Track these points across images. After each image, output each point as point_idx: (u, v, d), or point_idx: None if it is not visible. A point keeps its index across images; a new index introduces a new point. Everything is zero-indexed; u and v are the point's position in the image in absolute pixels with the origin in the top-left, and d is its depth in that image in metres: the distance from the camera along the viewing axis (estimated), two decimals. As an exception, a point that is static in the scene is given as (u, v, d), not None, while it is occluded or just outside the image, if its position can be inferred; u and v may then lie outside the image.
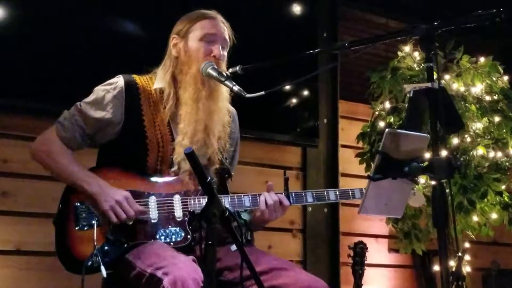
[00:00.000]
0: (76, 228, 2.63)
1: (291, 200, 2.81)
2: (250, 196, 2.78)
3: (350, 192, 2.92)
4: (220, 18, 2.88)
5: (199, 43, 2.81)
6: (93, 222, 2.61)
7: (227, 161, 2.91)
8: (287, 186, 2.83)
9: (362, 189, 2.90)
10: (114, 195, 2.62)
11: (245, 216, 2.83)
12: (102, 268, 2.51)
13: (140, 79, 2.85)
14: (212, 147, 2.79)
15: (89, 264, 2.53)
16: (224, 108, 2.86)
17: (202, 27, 2.82)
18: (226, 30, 2.87)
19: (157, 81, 2.86)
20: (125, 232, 2.64)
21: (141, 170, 2.74)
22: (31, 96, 3.69)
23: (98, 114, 2.75)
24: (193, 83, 2.76)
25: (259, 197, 2.78)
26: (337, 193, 2.90)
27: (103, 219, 2.63)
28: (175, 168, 2.74)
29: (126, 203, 2.62)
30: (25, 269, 3.71)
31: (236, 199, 2.76)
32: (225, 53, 2.86)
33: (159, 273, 2.39)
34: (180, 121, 2.77)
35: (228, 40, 2.87)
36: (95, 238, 2.55)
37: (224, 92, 2.83)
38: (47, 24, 3.77)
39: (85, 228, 2.62)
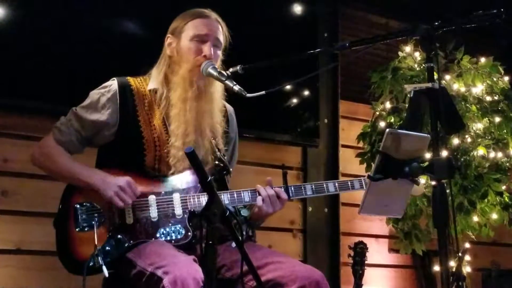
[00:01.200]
0: (77, 230, 2.64)
1: (291, 194, 2.81)
2: (249, 191, 2.78)
3: (349, 184, 2.90)
4: (214, 16, 2.87)
5: (190, 43, 2.81)
6: (93, 222, 2.62)
7: (225, 158, 2.91)
8: (286, 180, 2.82)
9: (361, 179, 2.89)
10: (115, 181, 2.65)
11: (244, 212, 2.83)
12: (104, 268, 2.51)
13: (134, 81, 2.87)
14: (204, 148, 2.79)
15: (90, 264, 2.53)
16: (216, 109, 2.86)
17: (194, 27, 2.82)
18: (219, 29, 2.86)
19: (152, 81, 2.88)
20: (126, 232, 2.65)
21: (139, 170, 2.75)
22: (31, 95, 3.69)
23: (93, 117, 2.78)
24: (182, 83, 2.78)
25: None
26: (336, 184, 2.89)
27: (109, 215, 2.65)
28: (172, 170, 2.75)
29: (129, 187, 2.65)
30: (25, 269, 3.71)
31: (235, 195, 2.77)
32: (218, 52, 2.85)
33: (159, 272, 2.39)
34: (171, 122, 2.78)
35: (221, 39, 2.86)
36: (96, 238, 2.56)
37: (215, 92, 2.83)
38: (48, 24, 3.77)
39: (86, 229, 2.64)
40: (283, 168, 2.87)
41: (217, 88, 2.81)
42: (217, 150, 2.85)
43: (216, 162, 2.85)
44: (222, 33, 2.87)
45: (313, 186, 2.87)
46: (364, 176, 2.85)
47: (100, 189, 2.65)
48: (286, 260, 2.69)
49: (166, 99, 2.81)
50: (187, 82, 2.77)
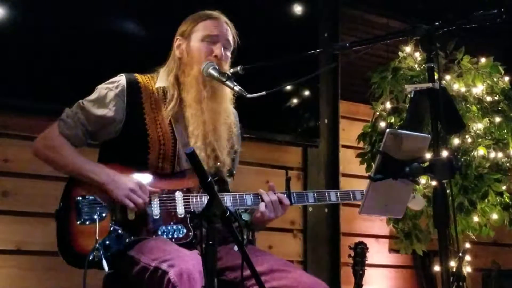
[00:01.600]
0: (78, 223, 2.63)
1: (293, 200, 2.82)
2: (252, 194, 2.79)
3: (351, 194, 2.93)
4: (223, 18, 2.87)
5: (201, 44, 2.81)
6: (95, 216, 2.62)
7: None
8: (289, 186, 2.83)
9: (363, 190, 2.91)
10: (126, 183, 2.64)
11: (245, 216, 2.82)
12: (104, 262, 2.51)
13: (142, 78, 2.86)
14: (224, 149, 2.80)
15: (91, 258, 2.53)
16: (229, 109, 2.87)
17: (204, 28, 2.83)
18: (229, 31, 2.86)
19: (159, 80, 2.87)
20: (127, 227, 2.65)
21: (142, 168, 2.74)
22: (32, 95, 3.70)
23: (100, 112, 2.76)
24: (195, 84, 2.77)
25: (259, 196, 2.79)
26: (338, 194, 2.92)
27: (111, 209, 2.64)
28: (185, 169, 2.75)
29: (139, 189, 2.64)
30: (26, 269, 3.71)
31: (237, 198, 2.77)
32: (228, 54, 2.86)
33: (164, 266, 2.39)
34: (188, 124, 2.77)
35: (231, 41, 2.87)
36: (97, 232, 2.56)
37: (227, 93, 2.83)
38: (49, 24, 3.77)
39: (87, 223, 2.62)
40: (287, 174, 2.87)
41: (229, 89, 2.81)
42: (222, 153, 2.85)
43: (229, 168, 2.85)
44: (231, 36, 2.87)
45: (315, 194, 2.89)
46: (364, 176, 2.86)
47: (109, 188, 2.64)
48: (292, 269, 2.67)
49: (177, 99, 2.80)
50: (200, 82, 2.76)
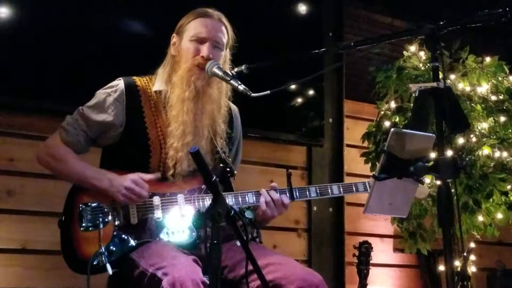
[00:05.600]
0: (81, 229, 2.65)
1: (295, 196, 2.82)
2: (253, 192, 2.79)
3: (353, 186, 2.91)
4: (217, 16, 2.85)
5: (189, 43, 2.81)
6: (98, 222, 2.63)
7: (229, 159, 2.90)
8: (290, 182, 2.83)
9: (365, 182, 2.90)
10: (122, 183, 2.65)
11: (248, 214, 2.83)
12: (108, 266, 2.52)
13: (140, 81, 2.86)
14: (203, 149, 2.76)
15: (95, 263, 2.54)
16: (216, 110, 2.84)
17: (194, 27, 2.82)
18: (221, 29, 2.84)
19: (157, 81, 2.87)
20: (131, 231, 2.66)
21: (143, 172, 2.74)
22: (37, 95, 3.70)
23: (100, 117, 2.77)
24: (179, 83, 2.77)
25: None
26: (341, 187, 2.90)
27: (114, 214, 2.66)
28: (171, 172, 2.74)
29: (135, 185, 2.65)
30: (31, 268, 3.71)
31: (239, 196, 2.77)
32: (220, 53, 2.83)
33: (159, 273, 2.41)
34: (170, 123, 2.77)
35: (222, 40, 2.84)
36: (100, 237, 2.56)
37: (214, 93, 2.82)
38: (54, 25, 3.77)
39: (90, 229, 2.64)
40: (287, 170, 2.87)
41: (217, 89, 2.81)
42: (220, 151, 2.84)
43: (221, 165, 2.84)
44: (224, 33, 2.85)
45: (317, 189, 2.87)
46: (369, 176, 2.85)
47: (111, 193, 2.66)
48: (286, 262, 2.68)
49: (169, 99, 2.81)
50: (185, 82, 2.76)
